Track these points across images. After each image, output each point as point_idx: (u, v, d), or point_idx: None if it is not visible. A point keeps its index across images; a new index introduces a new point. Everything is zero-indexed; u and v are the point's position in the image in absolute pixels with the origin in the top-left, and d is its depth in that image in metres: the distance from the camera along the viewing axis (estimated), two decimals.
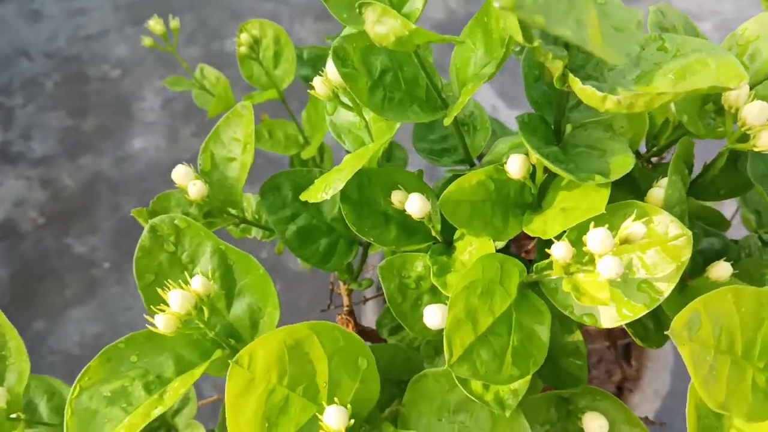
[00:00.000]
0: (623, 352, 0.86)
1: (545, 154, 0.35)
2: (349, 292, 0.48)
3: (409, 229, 0.40)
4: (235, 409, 0.29)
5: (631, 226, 0.30)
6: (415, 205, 0.36)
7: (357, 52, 0.34)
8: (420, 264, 0.40)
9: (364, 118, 0.39)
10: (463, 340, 0.33)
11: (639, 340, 0.40)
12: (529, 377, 0.36)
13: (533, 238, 0.50)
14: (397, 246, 0.39)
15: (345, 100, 0.39)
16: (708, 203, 0.51)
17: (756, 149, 0.35)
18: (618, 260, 0.29)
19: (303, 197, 0.37)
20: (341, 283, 0.48)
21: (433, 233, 0.39)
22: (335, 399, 0.32)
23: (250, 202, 0.48)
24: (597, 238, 0.29)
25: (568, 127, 0.39)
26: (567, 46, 0.30)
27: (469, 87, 0.33)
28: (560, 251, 0.30)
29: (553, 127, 0.37)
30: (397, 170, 0.40)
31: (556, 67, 0.29)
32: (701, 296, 0.28)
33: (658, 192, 0.36)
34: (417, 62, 0.34)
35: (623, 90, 0.27)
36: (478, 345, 0.33)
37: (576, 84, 0.28)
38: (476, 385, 0.36)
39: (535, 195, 0.39)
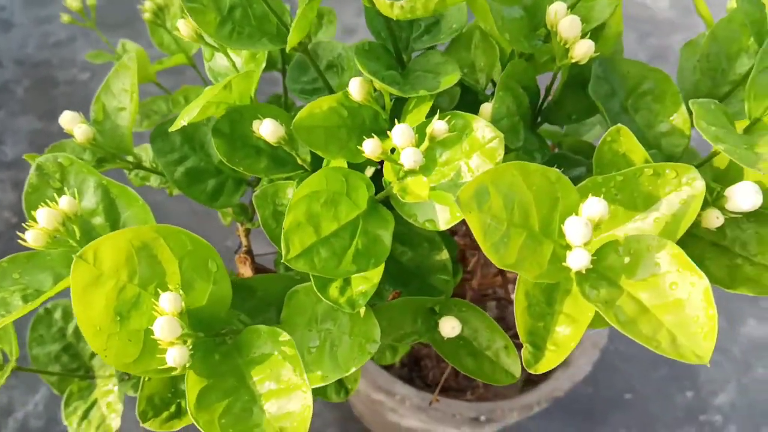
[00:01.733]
0: None
1: (381, 77, 0.38)
2: (247, 232, 0.51)
3: (280, 159, 0.44)
4: (82, 301, 0.33)
5: (435, 124, 0.33)
6: (267, 128, 0.39)
7: None
8: (291, 191, 0.43)
9: (231, 59, 0.43)
10: (303, 241, 0.36)
11: None
12: (375, 282, 0.39)
13: None
14: (267, 174, 0.43)
15: (211, 41, 0.42)
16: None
17: (574, 60, 0.39)
18: (417, 150, 0.32)
19: (171, 129, 0.40)
20: (238, 225, 0.51)
21: (299, 162, 0.43)
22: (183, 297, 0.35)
23: (148, 152, 0.52)
24: (398, 133, 0.32)
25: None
26: None
27: (300, 12, 0.36)
28: (368, 147, 0.33)
29: (395, 55, 0.41)
30: (267, 105, 0.44)
31: None
32: (489, 170, 0.31)
33: (487, 107, 0.40)
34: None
35: None
36: (319, 245, 0.36)
37: None
38: (333, 292, 0.40)
39: (388, 121, 0.42)
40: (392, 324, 0.43)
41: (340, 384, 0.48)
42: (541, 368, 0.36)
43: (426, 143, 0.34)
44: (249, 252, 0.51)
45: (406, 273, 0.45)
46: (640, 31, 1.52)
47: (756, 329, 1.18)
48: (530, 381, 0.86)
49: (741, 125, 0.39)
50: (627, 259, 0.33)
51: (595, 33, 0.43)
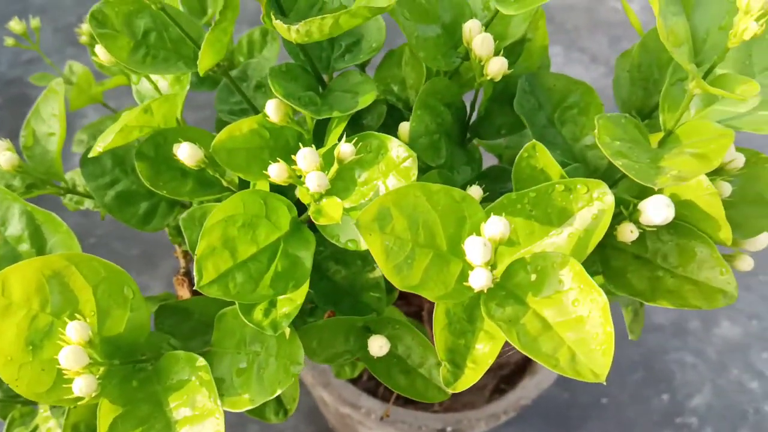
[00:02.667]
0: None
1: (297, 98, 0.38)
2: (185, 253, 0.51)
3: (206, 181, 0.44)
4: None
5: (341, 147, 0.33)
6: (185, 152, 0.39)
7: (119, 16, 0.38)
8: None
9: (153, 81, 0.43)
10: (218, 266, 0.36)
11: None
12: (299, 303, 0.39)
13: None
14: (192, 197, 0.43)
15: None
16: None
17: (489, 77, 0.39)
18: (321, 175, 0.32)
19: (89, 155, 0.40)
20: (177, 247, 0.51)
21: (225, 184, 0.43)
22: (105, 326, 0.35)
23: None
24: (301, 157, 0.32)
25: None
26: None
27: (209, 36, 0.36)
28: (273, 171, 0.33)
29: (315, 75, 0.41)
30: (192, 128, 0.44)
31: (262, 2, 0.33)
32: (390, 191, 0.32)
33: (405, 126, 0.40)
34: (173, 23, 0.38)
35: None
36: (235, 270, 0.36)
37: (273, 20, 0.32)
38: (258, 314, 0.39)
39: (312, 141, 0.42)
40: (322, 344, 0.42)
41: (279, 404, 0.48)
42: (459, 387, 0.36)
43: (335, 166, 0.34)
44: (187, 273, 0.51)
45: (338, 291, 0.45)
46: (612, 35, 1.52)
47: (730, 330, 1.19)
48: (498, 390, 0.86)
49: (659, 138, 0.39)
50: (534, 277, 0.33)
51: (519, 47, 0.43)
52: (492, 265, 0.32)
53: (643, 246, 0.39)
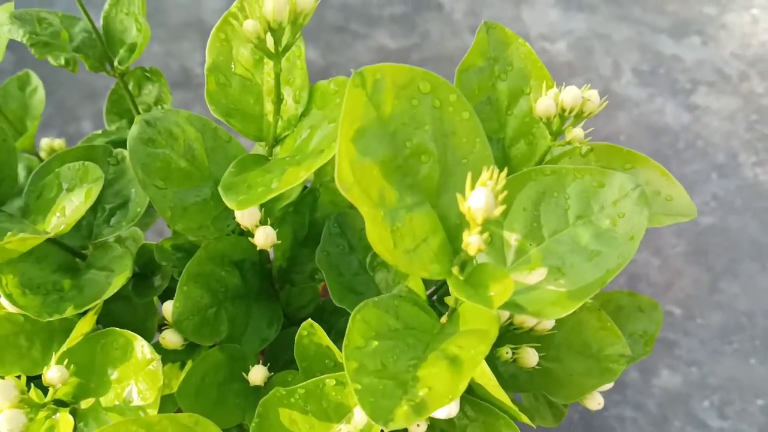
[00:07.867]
0: None
1: (35, 286, 0.33)
2: None
3: None
4: None
5: (48, 372, 0.28)
6: None
7: None
8: None
9: None
10: None
11: None
12: None
13: None
14: None
15: None
16: None
17: (259, 248, 0.34)
18: (14, 415, 0.27)
19: None
20: None
21: None
22: None
23: None
24: None
25: None
26: None
27: None
28: None
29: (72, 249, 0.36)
30: None
31: None
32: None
33: (168, 306, 0.35)
34: None
35: None
36: None
37: None
38: None
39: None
40: None
41: None
42: None
43: (51, 391, 0.29)
44: None
45: None
46: None
47: (670, 380, 1.15)
48: None
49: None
50: None
51: (308, 197, 0.39)
52: None
53: (451, 423, 0.34)
